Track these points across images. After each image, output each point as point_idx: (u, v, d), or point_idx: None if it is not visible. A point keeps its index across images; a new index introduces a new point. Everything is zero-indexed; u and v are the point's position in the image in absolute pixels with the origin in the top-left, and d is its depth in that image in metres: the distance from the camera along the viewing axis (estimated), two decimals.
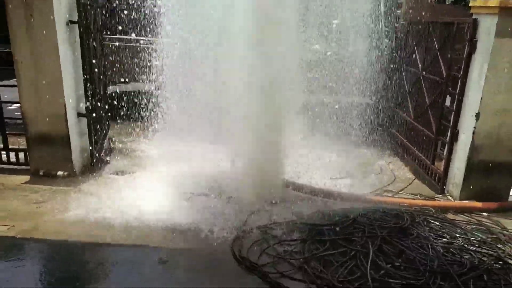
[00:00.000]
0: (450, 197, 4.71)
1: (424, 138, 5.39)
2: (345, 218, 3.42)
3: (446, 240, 3.29)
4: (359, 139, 6.88)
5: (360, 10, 7.97)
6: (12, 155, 5.00)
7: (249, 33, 4.31)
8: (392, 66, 7.02)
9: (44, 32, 4.34)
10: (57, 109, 4.59)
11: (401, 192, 4.94)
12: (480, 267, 2.96)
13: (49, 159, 4.75)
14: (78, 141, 4.90)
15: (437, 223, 3.55)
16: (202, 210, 3.99)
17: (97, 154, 5.18)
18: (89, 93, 4.92)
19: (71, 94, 4.72)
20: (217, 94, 5.40)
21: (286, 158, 5.02)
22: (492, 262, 3.05)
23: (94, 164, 5.05)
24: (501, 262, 3.11)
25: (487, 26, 4.27)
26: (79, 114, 4.87)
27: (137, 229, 3.60)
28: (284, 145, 5.06)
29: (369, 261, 2.85)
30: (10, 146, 5.01)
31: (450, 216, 4.11)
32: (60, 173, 4.76)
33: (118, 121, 6.95)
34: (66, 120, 4.64)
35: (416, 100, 5.85)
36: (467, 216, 4.16)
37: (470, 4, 4.55)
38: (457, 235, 3.42)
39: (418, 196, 4.72)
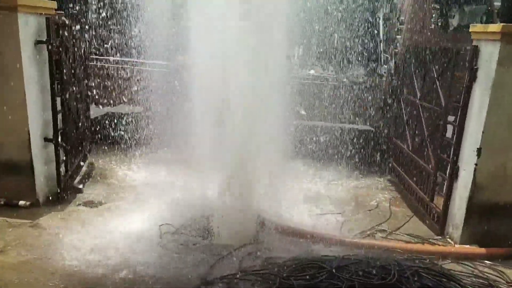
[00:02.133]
0: (449, 240, 4.22)
1: (423, 172, 4.94)
2: (321, 270, 2.96)
3: None
4: (355, 169, 6.47)
5: (358, 34, 7.71)
6: None
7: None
8: (391, 93, 6.64)
9: (8, 52, 4.04)
10: (19, 134, 4.23)
11: (395, 232, 4.46)
12: None
13: (11, 188, 4.37)
14: (44, 168, 4.53)
15: (431, 277, 3.06)
16: (166, 255, 3.56)
17: (67, 182, 4.80)
18: (60, 117, 4.60)
19: (37, 118, 4.38)
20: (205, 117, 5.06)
21: (269, 190, 4.64)
22: None
23: (62, 193, 4.67)
24: None
25: (489, 54, 3.88)
26: (46, 139, 4.53)
27: (82, 277, 3.15)
28: (266, 176, 4.70)
29: None
30: None
31: (448, 265, 3.62)
32: (22, 202, 4.37)
33: (104, 145, 6.64)
34: (29, 146, 4.29)
35: (415, 130, 5.42)
36: (467, 265, 3.66)
37: (471, 30, 4.19)
38: None
39: (414, 239, 4.24)
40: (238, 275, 3.10)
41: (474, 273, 3.50)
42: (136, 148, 6.45)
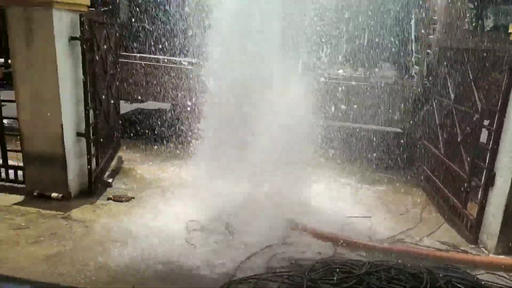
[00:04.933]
0: (483, 249, 4.06)
1: (456, 177, 4.77)
2: (349, 275, 2.89)
3: None
4: (383, 171, 6.34)
5: (389, 33, 7.53)
6: (12, 172, 4.79)
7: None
8: (422, 94, 6.47)
9: (43, 47, 4.15)
10: (53, 128, 4.35)
11: (426, 238, 4.33)
12: None
13: (44, 179, 4.50)
14: (76, 162, 4.63)
15: None
16: (193, 251, 3.57)
17: (97, 176, 4.89)
18: (91, 111, 4.68)
19: (70, 113, 4.48)
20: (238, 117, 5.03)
21: (298, 193, 4.62)
22: None
23: (93, 186, 4.76)
24: None
25: None
26: (79, 134, 4.62)
27: (112, 270, 3.20)
28: (297, 179, 4.67)
29: None
30: (10, 163, 4.81)
31: (482, 275, 3.48)
32: (54, 195, 4.48)
33: (136, 140, 6.75)
34: (62, 140, 4.39)
35: (448, 134, 5.24)
36: (503, 276, 3.51)
37: (510, 31, 4.00)
38: None
39: (445, 246, 4.10)
40: (265, 275, 3.07)
41: (510, 285, 3.35)
42: (166, 144, 6.52)
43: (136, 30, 8.32)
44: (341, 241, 3.76)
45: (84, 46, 4.38)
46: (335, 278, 2.86)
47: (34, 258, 3.26)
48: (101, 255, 3.39)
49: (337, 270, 2.99)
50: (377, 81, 6.90)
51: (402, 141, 6.72)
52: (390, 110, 6.71)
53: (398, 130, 7.31)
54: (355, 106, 6.73)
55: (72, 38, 4.33)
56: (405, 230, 4.47)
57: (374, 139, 6.73)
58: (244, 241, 3.77)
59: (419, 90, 6.54)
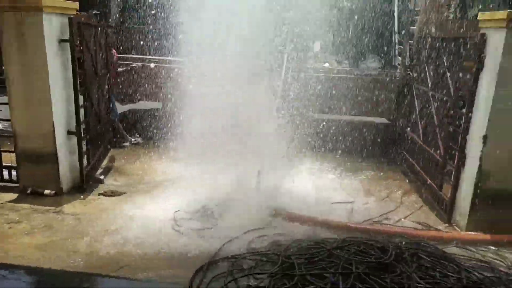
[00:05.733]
0: (456, 228, 4.27)
1: (433, 161, 4.98)
2: (320, 250, 3.10)
3: (434, 280, 2.90)
4: (367, 160, 6.54)
5: (373, 26, 7.71)
6: (6, 172, 4.99)
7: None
8: (405, 84, 6.67)
9: (34, 50, 4.35)
10: (45, 127, 4.55)
11: (403, 220, 4.55)
12: None
13: (37, 177, 4.70)
14: (68, 159, 4.83)
15: (429, 259, 3.15)
16: (179, 238, 3.79)
17: (89, 173, 5.09)
18: (82, 110, 4.89)
19: (61, 112, 4.68)
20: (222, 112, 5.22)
21: (283, 183, 4.83)
22: None
23: (85, 183, 4.96)
24: None
25: (495, 41, 3.90)
26: (70, 132, 4.82)
27: (101, 256, 3.43)
28: (282, 170, 4.87)
29: None
30: (3, 164, 5.01)
31: (452, 250, 3.69)
32: (47, 191, 4.68)
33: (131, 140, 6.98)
34: (54, 138, 4.59)
35: (426, 120, 5.45)
36: (472, 250, 3.72)
37: (479, 18, 4.19)
38: (450, 274, 3.01)
39: (421, 226, 4.31)
40: (244, 255, 3.28)
41: (476, 257, 3.56)
42: (155, 143, 6.71)
43: (126, 31, 8.54)
44: (320, 223, 3.96)
45: (74, 48, 4.58)
46: (307, 254, 3.06)
47: (27, 247, 3.47)
48: (92, 243, 3.60)
49: (311, 247, 3.20)
50: (362, 73, 7.11)
51: (388, 130, 6.93)
52: (375, 101, 6.92)
53: (385, 120, 7.49)
54: (341, 98, 6.93)
55: (62, 40, 4.53)
56: (385, 213, 4.69)
57: (361, 130, 6.93)
58: (228, 227, 3.97)
59: (402, 80, 6.74)
